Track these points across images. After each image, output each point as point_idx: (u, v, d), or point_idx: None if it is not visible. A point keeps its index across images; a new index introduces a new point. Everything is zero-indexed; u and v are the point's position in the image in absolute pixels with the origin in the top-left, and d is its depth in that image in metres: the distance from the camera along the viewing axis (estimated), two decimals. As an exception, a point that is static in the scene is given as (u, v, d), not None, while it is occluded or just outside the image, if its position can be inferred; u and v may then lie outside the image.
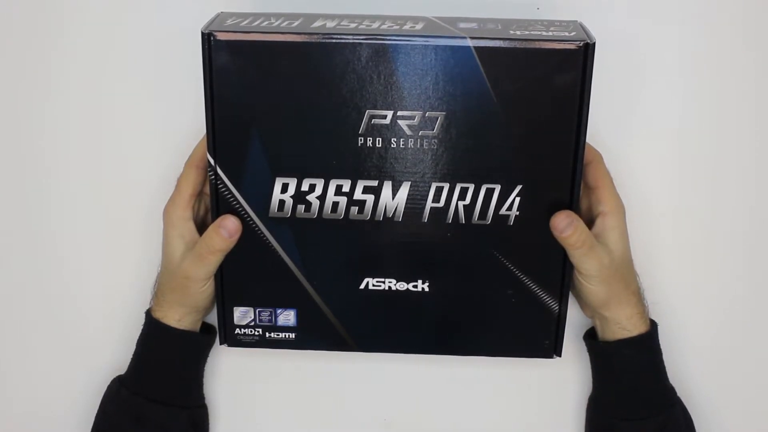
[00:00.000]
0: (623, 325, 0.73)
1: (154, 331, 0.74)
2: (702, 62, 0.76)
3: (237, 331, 0.73)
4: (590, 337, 0.77)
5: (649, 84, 0.76)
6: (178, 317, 0.73)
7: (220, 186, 0.68)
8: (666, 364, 0.76)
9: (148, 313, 0.75)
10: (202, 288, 0.71)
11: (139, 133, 0.78)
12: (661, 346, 0.75)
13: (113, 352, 0.80)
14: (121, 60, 0.77)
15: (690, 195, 0.79)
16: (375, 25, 0.66)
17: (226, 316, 0.73)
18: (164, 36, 0.75)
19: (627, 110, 0.76)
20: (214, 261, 0.70)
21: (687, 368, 0.80)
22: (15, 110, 0.78)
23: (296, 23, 0.66)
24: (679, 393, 0.77)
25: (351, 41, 0.64)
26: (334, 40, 0.64)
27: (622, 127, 0.76)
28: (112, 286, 0.81)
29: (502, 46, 0.64)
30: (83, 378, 0.82)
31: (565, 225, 0.67)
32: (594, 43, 0.63)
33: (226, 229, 0.69)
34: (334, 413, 0.84)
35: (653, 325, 0.75)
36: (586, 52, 0.63)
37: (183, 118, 0.75)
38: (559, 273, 0.70)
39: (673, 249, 0.80)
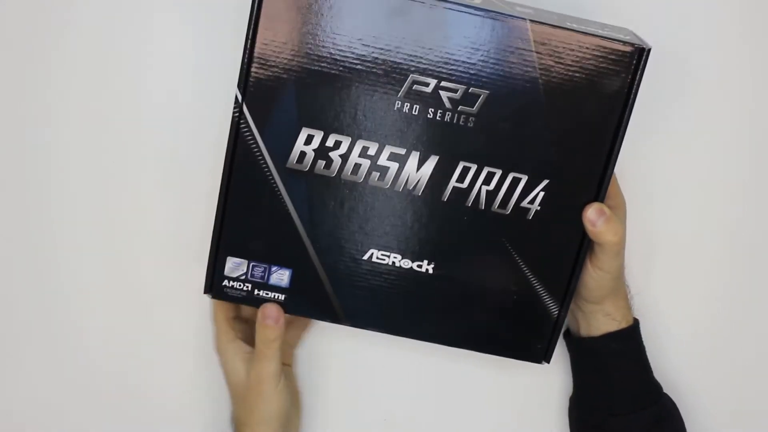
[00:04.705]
0: (612, 316, 0.73)
1: None
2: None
3: (225, 282, 0.69)
4: (568, 334, 0.77)
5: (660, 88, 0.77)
6: None
7: (243, 126, 0.64)
8: (651, 360, 0.76)
9: None
10: (277, 388, 0.71)
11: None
12: (645, 344, 0.75)
13: (114, 353, 0.79)
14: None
15: (682, 195, 0.80)
16: None
17: (216, 265, 0.68)
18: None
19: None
20: (274, 350, 0.69)
21: (671, 364, 0.81)
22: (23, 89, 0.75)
23: None
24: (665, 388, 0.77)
25: (411, 0, 0.62)
26: None
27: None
28: (112, 286, 0.78)
29: (560, 30, 0.63)
30: (81, 380, 0.80)
31: (596, 217, 0.66)
32: (650, 49, 0.63)
33: (270, 318, 0.69)
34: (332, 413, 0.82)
35: (636, 321, 0.75)
36: (640, 56, 0.63)
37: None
38: (566, 277, 0.69)
39: (658, 244, 0.81)
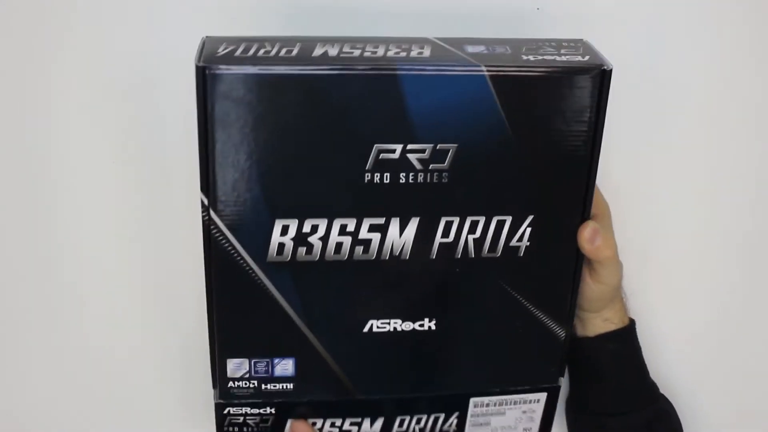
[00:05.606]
0: (611, 320, 0.73)
1: None
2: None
3: (231, 384, 0.67)
4: None
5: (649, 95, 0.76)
6: None
7: (214, 230, 0.62)
8: (647, 361, 0.76)
9: None
10: None
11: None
12: (642, 344, 0.76)
13: (114, 353, 0.78)
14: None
15: (676, 194, 0.79)
16: (380, 52, 0.61)
17: (219, 369, 0.67)
18: (148, 62, 0.70)
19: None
20: None
21: (668, 365, 0.81)
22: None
23: (295, 51, 0.60)
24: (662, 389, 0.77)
25: (360, 72, 0.59)
26: (344, 71, 0.59)
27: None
28: (113, 286, 0.77)
29: (518, 73, 0.60)
30: (82, 380, 0.79)
31: (592, 235, 0.66)
32: (611, 70, 0.61)
33: None
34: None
35: (632, 321, 0.75)
36: (602, 78, 0.61)
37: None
38: (567, 300, 0.69)
39: (653, 244, 0.80)
